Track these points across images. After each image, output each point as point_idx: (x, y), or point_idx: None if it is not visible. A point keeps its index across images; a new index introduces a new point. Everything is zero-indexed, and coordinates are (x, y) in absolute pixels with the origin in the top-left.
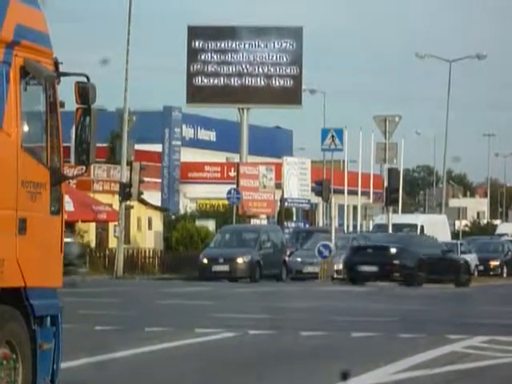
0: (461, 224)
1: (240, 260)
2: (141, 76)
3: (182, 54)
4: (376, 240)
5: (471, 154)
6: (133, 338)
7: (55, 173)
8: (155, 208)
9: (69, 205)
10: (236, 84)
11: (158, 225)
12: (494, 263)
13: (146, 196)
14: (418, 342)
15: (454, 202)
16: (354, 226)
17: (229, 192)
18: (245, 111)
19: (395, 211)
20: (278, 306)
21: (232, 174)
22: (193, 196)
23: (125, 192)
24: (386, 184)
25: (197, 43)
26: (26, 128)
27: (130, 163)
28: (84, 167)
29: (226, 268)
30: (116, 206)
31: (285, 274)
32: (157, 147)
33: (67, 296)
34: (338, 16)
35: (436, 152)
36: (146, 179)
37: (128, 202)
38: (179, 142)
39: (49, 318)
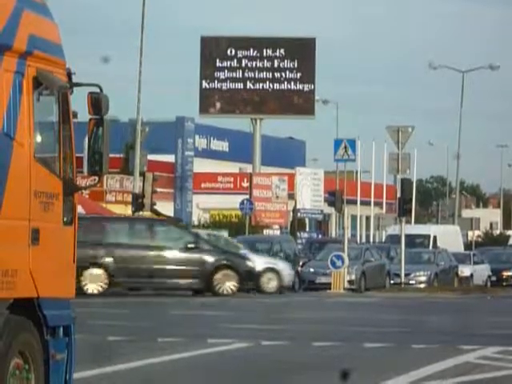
0: (474, 234)
1: None
2: (154, 86)
3: (195, 65)
4: None
5: (484, 164)
6: (146, 349)
7: (68, 183)
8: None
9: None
10: (249, 94)
11: None
12: (506, 274)
13: (158, 206)
14: (431, 353)
15: (466, 213)
16: (367, 237)
17: (242, 202)
18: (258, 122)
19: (408, 222)
20: (290, 317)
21: (245, 184)
22: (206, 206)
23: (138, 202)
24: (398, 194)
25: (210, 53)
26: (38, 138)
27: (142, 174)
28: (97, 178)
29: None
30: None
31: (297, 285)
32: (170, 157)
33: (80, 306)
34: (351, 26)
35: (449, 162)
36: (158, 189)
37: (141, 213)
38: (192, 153)
39: (61, 329)
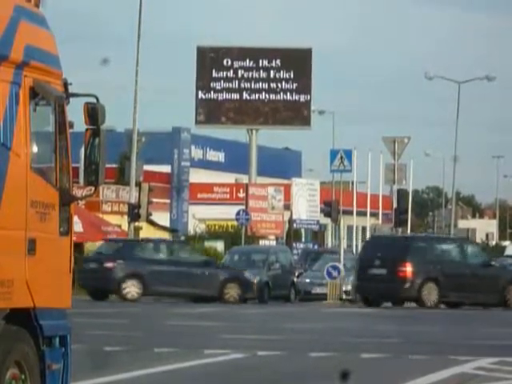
0: None
1: None
2: (150, 97)
3: (191, 75)
4: None
5: (480, 175)
6: (142, 359)
7: (64, 193)
8: (164, 229)
9: (78, 225)
10: (245, 105)
11: None
12: None
13: (154, 217)
14: (427, 363)
15: (463, 223)
16: None
17: (238, 213)
18: (254, 132)
19: (404, 232)
20: (286, 327)
21: (241, 194)
22: (202, 217)
23: (133, 213)
24: (394, 205)
25: (206, 64)
26: (35, 149)
27: (138, 184)
28: (93, 188)
29: None
30: (125, 227)
31: (293, 295)
32: (166, 168)
33: (76, 316)
34: (347, 36)
35: (445, 173)
36: (154, 200)
37: (137, 223)
38: (188, 163)
39: (58, 339)
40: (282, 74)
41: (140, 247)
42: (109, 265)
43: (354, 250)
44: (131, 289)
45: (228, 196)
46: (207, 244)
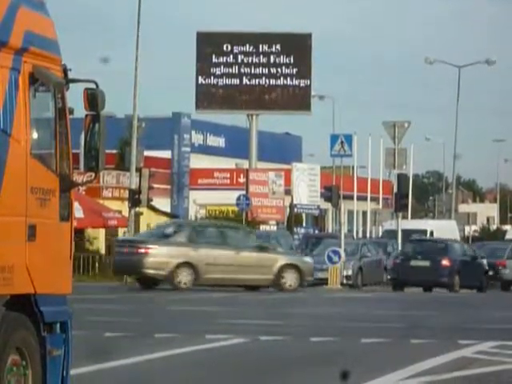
0: (470, 229)
1: None
2: (150, 82)
3: (191, 60)
4: None
5: (480, 159)
6: (143, 345)
7: (64, 179)
8: (165, 214)
9: (78, 211)
10: (245, 90)
11: None
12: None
13: (155, 202)
14: (428, 348)
15: (463, 208)
16: (364, 232)
17: (238, 198)
18: (254, 117)
19: (405, 217)
20: (287, 312)
21: (241, 180)
22: (202, 202)
23: (134, 198)
24: (395, 190)
25: (206, 49)
26: (35, 135)
27: (139, 170)
28: (93, 174)
29: None
30: (125, 213)
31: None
32: (166, 153)
33: (77, 302)
34: (347, 22)
35: (445, 157)
36: (155, 185)
37: (137, 209)
38: (188, 149)
39: (58, 325)
40: (282, 59)
41: None
42: None
43: (355, 235)
44: None
45: (228, 181)
46: None
